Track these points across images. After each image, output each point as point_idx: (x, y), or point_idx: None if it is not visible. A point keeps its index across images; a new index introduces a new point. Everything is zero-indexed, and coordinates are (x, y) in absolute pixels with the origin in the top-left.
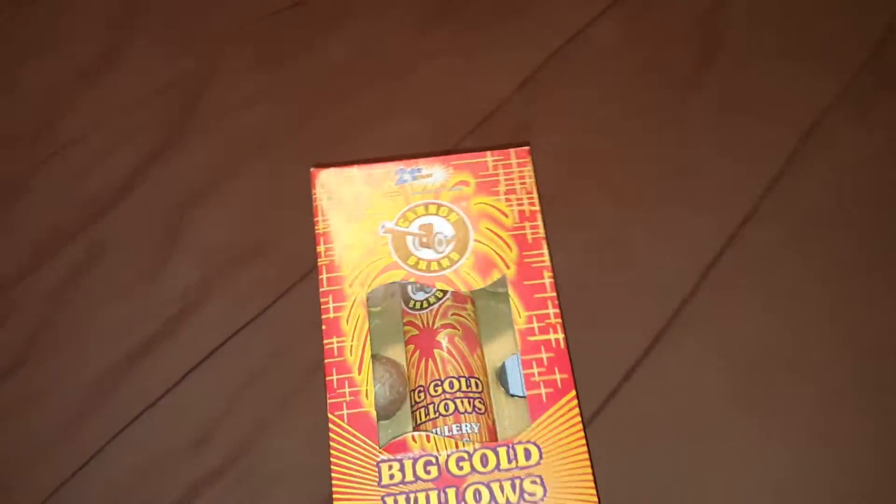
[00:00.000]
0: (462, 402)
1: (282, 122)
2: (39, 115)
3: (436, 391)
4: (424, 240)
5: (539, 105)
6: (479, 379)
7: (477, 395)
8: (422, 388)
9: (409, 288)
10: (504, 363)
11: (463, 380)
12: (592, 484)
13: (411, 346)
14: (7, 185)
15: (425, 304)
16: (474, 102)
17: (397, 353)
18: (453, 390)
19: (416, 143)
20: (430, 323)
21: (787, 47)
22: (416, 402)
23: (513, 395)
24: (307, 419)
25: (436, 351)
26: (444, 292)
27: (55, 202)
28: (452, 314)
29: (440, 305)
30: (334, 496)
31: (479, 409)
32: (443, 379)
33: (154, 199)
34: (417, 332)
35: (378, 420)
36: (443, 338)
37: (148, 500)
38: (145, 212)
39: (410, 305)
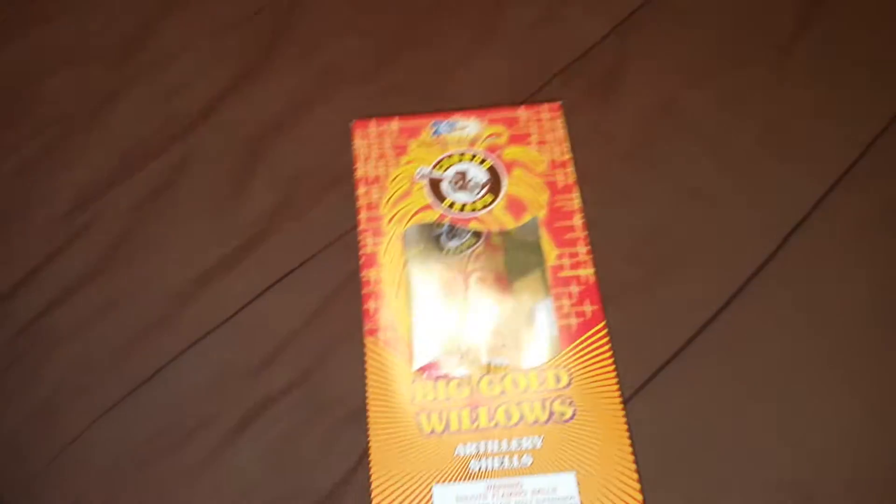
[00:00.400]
0: (493, 338)
1: (367, 58)
2: (131, 33)
3: (467, 329)
4: (459, 184)
5: (632, 50)
6: (509, 319)
7: (507, 333)
8: (454, 329)
9: (442, 237)
10: (534, 306)
11: (494, 319)
12: (621, 405)
13: (444, 292)
14: (96, 99)
15: (458, 251)
16: (564, 45)
17: (430, 294)
18: (485, 328)
19: (501, 85)
20: (464, 267)
21: (891, 6)
22: (449, 343)
23: (542, 336)
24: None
25: (468, 292)
26: (476, 240)
27: (142, 119)
28: (484, 259)
29: (472, 251)
30: (369, 414)
31: (510, 347)
32: (475, 317)
33: (237, 123)
34: (450, 277)
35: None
36: (475, 280)
37: (214, 412)
38: (228, 134)
39: (444, 253)
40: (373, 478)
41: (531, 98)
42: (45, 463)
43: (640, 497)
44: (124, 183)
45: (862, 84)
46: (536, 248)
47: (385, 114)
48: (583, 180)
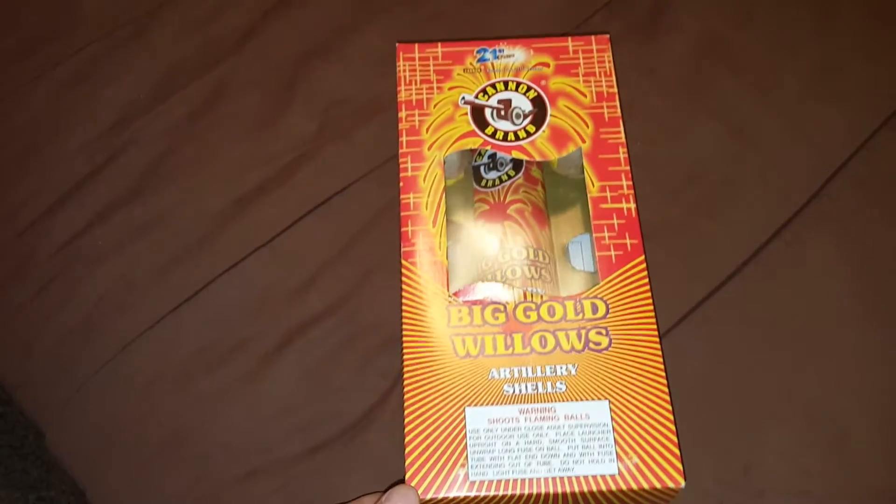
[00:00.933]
0: (529, 268)
1: None
2: None
3: (504, 258)
4: (503, 112)
5: None
6: (546, 252)
7: (544, 265)
8: (492, 259)
9: (482, 168)
10: (571, 242)
11: (531, 249)
12: (657, 338)
13: (481, 221)
14: (138, 17)
15: (497, 182)
16: None
17: (468, 223)
18: (521, 258)
19: (545, 15)
20: (502, 198)
21: None
22: (486, 271)
23: (579, 271)
24: None
25: (506, 222)
26: (517, 170)
27: (182, 40)
28: (523, 192)
29: (512, 183)
30: (404, 334)
31: (546, 279)
32: (512, 248)
33: (277, 47)
34: (488, 207)
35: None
36: (513, 211)
37: (252, 334)
38: (268, 59)
39: (482, 184)
40: (406, 397)
41: (576, 30)
42: (83, 380)
43: (672, 428)
44: (165, 103)
45: None
46: (577, 184)
47: (429, 40)
48: (625, 115)
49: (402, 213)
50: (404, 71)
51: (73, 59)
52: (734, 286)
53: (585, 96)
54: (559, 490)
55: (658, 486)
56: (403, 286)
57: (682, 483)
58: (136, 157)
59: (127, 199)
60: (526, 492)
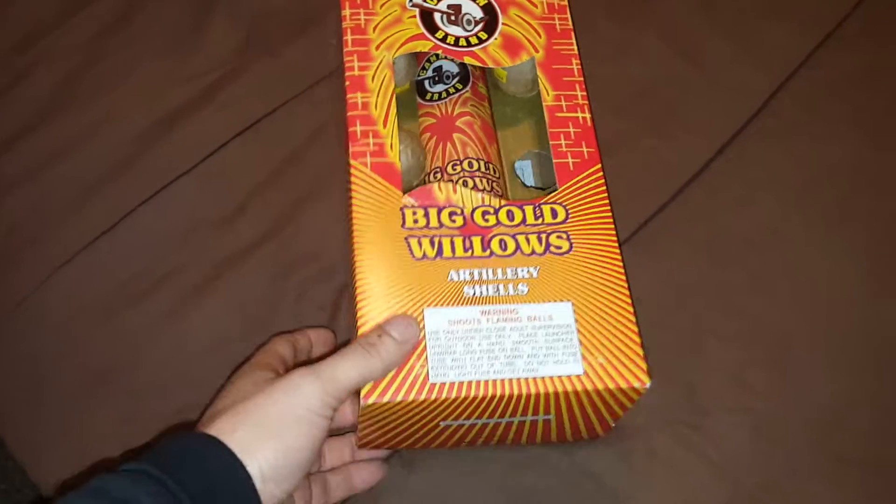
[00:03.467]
0: (481, 181)
1: None
2: None
3: (454, 170)
4: (453, 17)
5: None
6: (496, 166)
7: (495, 179)
8: (439, 170)
9: (427, 82)
10: (518, 161)
11: (482, 162)
12: (617, 242)
13: (427, 135)
14: None
15: (444, 95)
16: None
17: (415, 131)
18: (472, 169)
19: None
20: (449, 111)
21: None
22: (437, 179)
23: (528, 187)
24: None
25: (455, 135)
26: (464, 84)
27: None
28: (471, 105)
29: (459, 96)
30: (354, 236)
31: (497, 192)
32: (461, 159)
33: None
34: (434, 121)
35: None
36: (462, 124)
37: (176, 268)
38: None
39: (427, 98)
40: (358, 300)
41: None
42: None
43: (636, 329)
44: (72, 19)
45: None
46: (525, 103)
47: None
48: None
49: (350, 113)
50: None
51: None
52: (679, 204)
53: (536, 7)
54: (523, 392)
55: (624, 385)
56: (353, 187)
57: (648, 383)
58: (44, 78)
59: (36, 124)
60: (489, 393)
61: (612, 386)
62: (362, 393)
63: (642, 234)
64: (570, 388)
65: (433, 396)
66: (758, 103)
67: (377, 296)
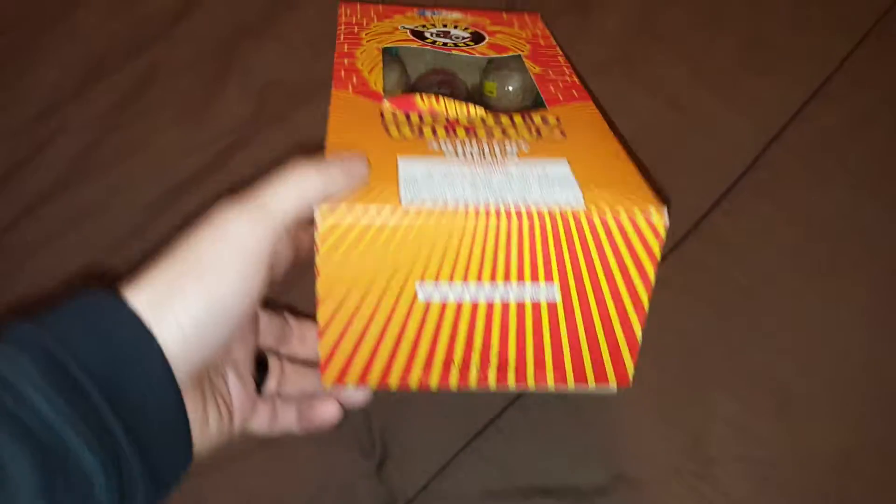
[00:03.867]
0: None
1: None
2: None
3: (437, 81)
4: (442, 35)
5: None
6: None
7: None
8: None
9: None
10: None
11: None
12: (614, 136)
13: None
14: (61, 2)
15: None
16: None
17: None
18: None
19: None
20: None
21: None
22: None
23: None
24: None
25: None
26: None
27: (109, 23)
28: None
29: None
30: (328, 140)
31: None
32: (450, 73)
33: (209, 28)
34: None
35: None
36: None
37: None
38: (200, 40)
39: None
40: (328, 145)
41: (508, 8)
42: None
43: (642, 177)
44: (90, 90)
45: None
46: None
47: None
48: None
49: (336, 64)
50: (343, 16)
51: None
52: (677, 256)
53: (521, 39)
54: (513, 226)
55: (638, 213)
56: (331, 108)
57: (664, 213)
58: (65, 146)
59: (56, 192)
60: (470, 224)
61: (623, 216)
62: (319, 216)
63: None
64: (571, 219)
65: (406, 223)
66: (751, 156)
67: (346, 143)
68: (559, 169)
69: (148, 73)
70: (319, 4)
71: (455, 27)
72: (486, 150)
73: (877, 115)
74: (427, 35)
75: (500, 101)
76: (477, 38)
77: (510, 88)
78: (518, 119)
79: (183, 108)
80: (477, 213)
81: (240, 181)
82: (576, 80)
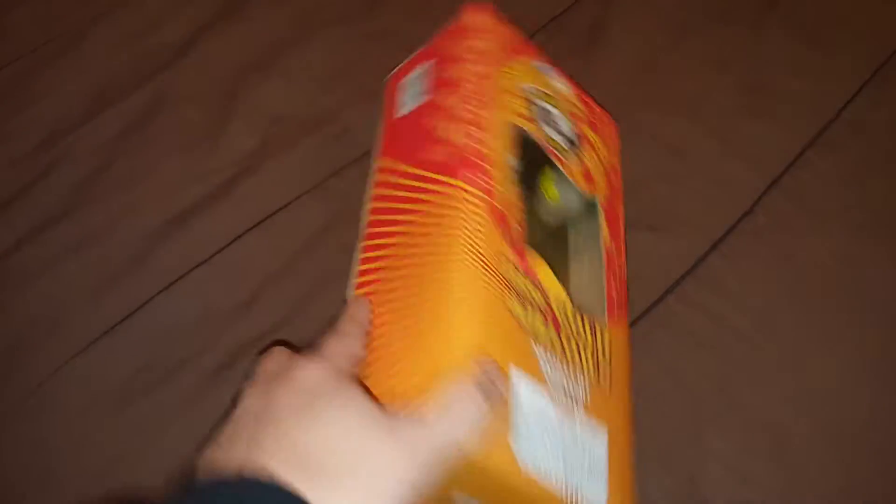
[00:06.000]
0: None
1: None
2: None
3: None
4: (545, 120)
5: (615, 6)
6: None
7: None
8: None
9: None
10: None
11: None
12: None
13: None
14: (64, 34)
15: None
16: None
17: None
18: None
19: None
20: None
21: None
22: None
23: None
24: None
25: None
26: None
27: (115, 54)
28: None
29: None
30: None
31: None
32: None
33: (216, 61)
34: None
35: None
36: None
37: (195, 353)
38: (207, 73)
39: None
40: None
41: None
42: (12, 406)
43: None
44: (98, 118)
45: (838, 44)
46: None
47: (374, 54)
48: None
49: (457, 125)
50: (473, 23)
51: None
52: (674, 298)
53: (604, 158)
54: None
55: None
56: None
57: None
58: (69, 173)
59: (59, 218)
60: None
61: None
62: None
63: (641, 325)
64: None
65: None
66: (750, 200)
67: (473, 323)
68: (600, 452)
69: (153, 103)
70: (320, 44)
71: (560, 111)
72: (568, 384)
73: (875, 164)
74: (539, 121)
75: (555, 209)
76: (573, 142)
77: (571, 203)
78: (585, 330)
79: (188, 138)
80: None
81: None
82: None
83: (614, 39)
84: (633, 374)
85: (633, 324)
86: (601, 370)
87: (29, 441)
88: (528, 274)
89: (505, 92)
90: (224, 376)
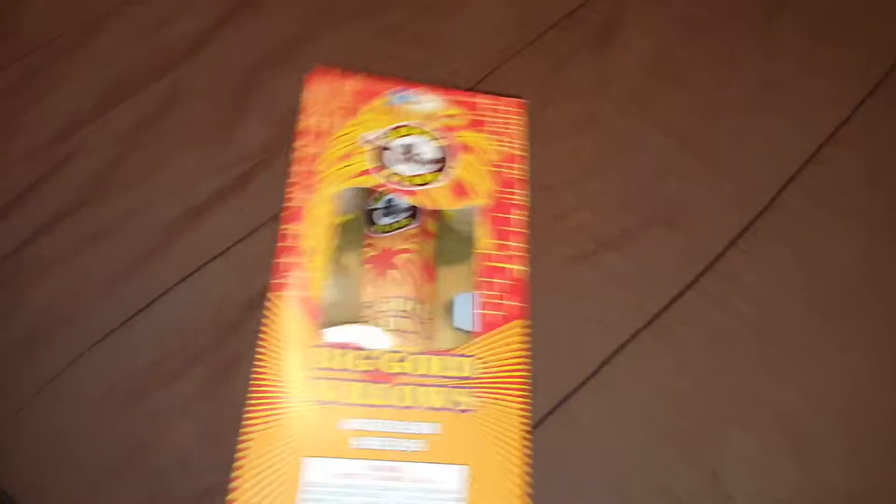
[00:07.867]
0: (403, 321)
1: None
2: None
3: (381, 307)
4: (405, 156)
5: (628, 2)
6: (425, 307)
7: (420, 319)
8: (369, 304)
9: (376, 213)
10: (454, 298)
11: (410, 301)
12: (527, 405)
13: (368, 266)
14: (79, 27)
15: (389, 229)
16: None
17: (352, 264)
18: (398, 309)
19: (499, 32)
20: (391, 246)
21: None
22: (361, 317)
23: (458, 329)
24: None
25: (390, 271)
26: (411, 220)
27: (130, 47)
28: (414, 242)
29: (404, 231)
30: (255, 373)
31: (420, 334)
32: (391, 297)
33: (231, 55)
34: (376, 254)
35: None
36: (400, 260)
37: (210, 345)
38: (222, 66)
39: (373, 229)
40: (241, 440)
41: (528, 47)
42: (28, 398)
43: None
44: (113, 111)
45: (851, 43)
46: (469, 239)
47: (378, 54)
48: (582, 128)
49: (280, 244)
50: (309, 101)
51: (13, 67)
52: (694, 294)
53: (491, 154)
54: None
55: None
56: (264, 321)
57: None
58: (84, 165)
59: (74, 209)
60: None
61: None
62: None
63: (661, 321)
64: None
65: None
66: (767, 196)
67: (260, 438)
68: (452, 484)
69: (169, 96)
70: (334, 39)
71: (422, 133)
72: (391, 443)
73: (892, 162)
74: (388, 156)
75: (455, 223)
76: (442, 161)
77: (465, 224)
78: (437, 366)
79: (204, 131)
80: None
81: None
82: (519, 270)
83: (628, 35)
84: (631, 372)
85: (653, 319)
86: (454, 399)
87: (44, 433)
88: None
89: (338, 160)
90: (240, 368)
